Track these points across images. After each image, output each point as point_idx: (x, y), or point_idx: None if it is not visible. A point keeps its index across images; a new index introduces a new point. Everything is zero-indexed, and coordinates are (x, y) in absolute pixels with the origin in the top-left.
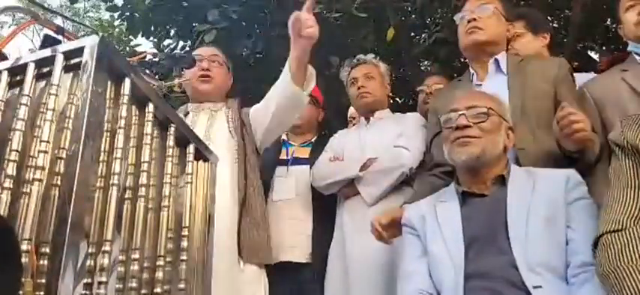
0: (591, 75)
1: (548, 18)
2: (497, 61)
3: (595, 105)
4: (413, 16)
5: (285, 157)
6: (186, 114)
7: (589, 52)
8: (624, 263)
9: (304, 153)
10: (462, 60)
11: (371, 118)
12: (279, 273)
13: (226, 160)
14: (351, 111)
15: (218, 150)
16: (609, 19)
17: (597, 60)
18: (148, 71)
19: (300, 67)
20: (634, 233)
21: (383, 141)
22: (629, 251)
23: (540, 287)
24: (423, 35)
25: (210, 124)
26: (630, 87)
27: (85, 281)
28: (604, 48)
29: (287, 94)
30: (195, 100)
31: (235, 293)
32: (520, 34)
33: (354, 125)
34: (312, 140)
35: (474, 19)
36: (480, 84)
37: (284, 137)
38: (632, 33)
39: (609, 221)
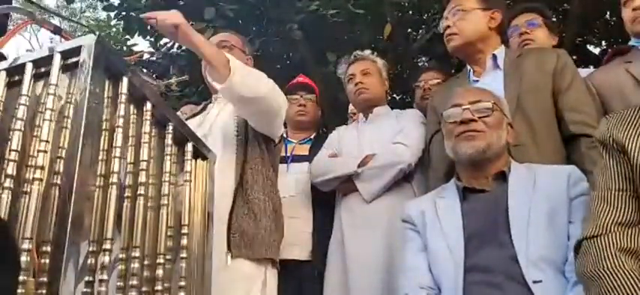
0: (590, 69)
1: None
2: (495, 57)
3: (598, 97)
4: (410, 12)
5: (284, 154)
6: (205, 107)
7: (588, 46)
8: (607, 267)
9: (304, 150)
10: None
11: (369, 114)
12: (280, 271)
13: (222, 144)
14: (351, 107)
15: (217, 134)
16: (608, 13)
17: (596, 54)
18: (144, 70)
19: (206, 61)
20: (614, 238)
21: (381, 137)
22: (611, 255)
23: (540, 281)
24: (420, 31)
25: (219, 112)
26: (634, 79)
27: (86, 279)
28: (603, 42)
29: (225, 97)
30: (213, 93)
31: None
32: (540, 25)
33: (353, 121)
34: (312, 137)
35: (448, 26)
36: (477, 80)
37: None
38: (628, 28)
39: (592, 226)
